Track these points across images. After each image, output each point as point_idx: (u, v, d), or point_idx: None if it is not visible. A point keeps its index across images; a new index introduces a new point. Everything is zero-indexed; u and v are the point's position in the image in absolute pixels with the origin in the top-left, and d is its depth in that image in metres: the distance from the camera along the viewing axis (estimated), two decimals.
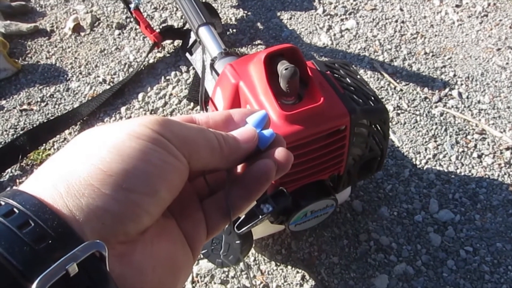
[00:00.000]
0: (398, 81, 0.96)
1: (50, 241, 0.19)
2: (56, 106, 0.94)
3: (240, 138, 0.26)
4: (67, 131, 0.90)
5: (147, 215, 0.21)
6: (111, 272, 0.20)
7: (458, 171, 0.81)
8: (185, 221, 0.26)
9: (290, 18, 1.10)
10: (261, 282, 0.69)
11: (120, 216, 0.20)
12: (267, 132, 0.28)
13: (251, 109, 0.29)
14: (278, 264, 0.70)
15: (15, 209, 0.19)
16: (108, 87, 0.96)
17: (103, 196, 0.20)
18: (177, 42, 1.04)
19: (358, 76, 0.59)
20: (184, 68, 0.99)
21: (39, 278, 0.18)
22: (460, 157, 0.83)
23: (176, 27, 1.04)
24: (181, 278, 0.25)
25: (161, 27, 1.07)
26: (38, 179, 0.21)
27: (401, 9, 1.11)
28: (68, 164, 0.21)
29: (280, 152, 0.27)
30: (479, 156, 0.83)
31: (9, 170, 0.84)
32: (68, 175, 0.20)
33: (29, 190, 0.20)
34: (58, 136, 0.89)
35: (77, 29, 1.09)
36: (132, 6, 0.99)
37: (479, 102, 0.92)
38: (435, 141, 0.85)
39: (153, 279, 0.22)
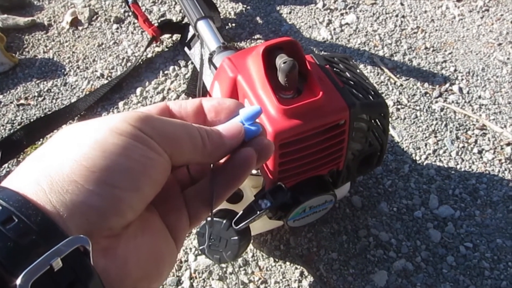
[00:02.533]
0: (398, 76, 0.95)
1: (33, 237, 0.19)
2: (54, 101, 0.94)
3: (226, 133, 0.26)
4: (64, 126, 0.89)
5: (130, 210, 0.22)
6: (96, 266, 0.20)
7: (458, 166, 0.80)
8: (168, 212, 0.26)
9: (290, 13, 1.09)
10: (260, 278, 0.68)
11: (104, 211, 0.21)
12: (254, 126, 0.27)
13: (220, 98, 0.29)
14: (277, 260, 0.70)
15: None
16: (106, 81, 0.95)
17: (87, 192, 0.20)
18: (176, 36, 1.03)
19: (358, 70, 0.58)
20: (182, 63, 0.98)
21: (23, 273, 0.18)
22: (460, 152, 0.82)
23: (174, 21, 1.04)
24: (165, 269, 0.25)
25: (159, 21, 1.06)
26: (21, 175, 0.21)
27: (402, 4, 1.10)
28: (50, 160, 0.21)
29: (261, 141, 0.27)
30: (480, 152, 0.82)
31: (6, 165, 0.83)
32: (51, 172, 0.20)
33: (12, 186, 0.20)
34: (55, 131, 0.88)
35: (75, 23, 1.08)
36: (130, 0, 0.98)
37: (479, 97, 0.91)
38: (435, 137, 0.85)
39: (137, 271, 0.23)
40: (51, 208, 0.20)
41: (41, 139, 0.87)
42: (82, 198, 0.20)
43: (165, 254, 0.25)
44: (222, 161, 0.28)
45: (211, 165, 0.27)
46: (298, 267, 0.69)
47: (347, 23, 1.06)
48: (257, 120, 0.28)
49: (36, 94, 0.94)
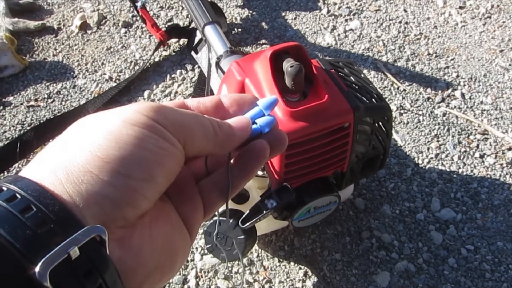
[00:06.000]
0: (401, 81, 0.96)
1: (51, 226, 0.19)
2: (63, 103, 0.95)
3: (235, 125, 0.27)
4: None
5: (144, 200, 0.22)
6: (111, 256, 0.21)
7: (460, 170, 0.82)
8: (182, 203, 0.27)
9: (295, 18, 1.11)
10: (264, 278, 0.69)
11: (118, 201, 0.21)
12: (269, 118, 0.29)
13: (240, 94, 0.30)
14: (281, 260, 0.71)
15: (17, 195, 0.20)
16: (114, 84, 0.97)
17: (102, 182, 0.21)
18: (183, 41, 1.05)
19: (362, 75, 0.60)
20: (189, 67, 1.00)
21: (42, 261, 0.18)
22: (462, 157, 0.84)
23: (181, 26, 1.05)
24: (178, 259, 0.26)
25: (167, 25, 1.08)
26: (38, 166, 0.22)
27: (405, 10, 1.12)
28: (66, 151, 0.22)
29: (276, 133, 0.29)
30: (481, 156, 0.84)
31: (16, 165, 0.85)
32: (66, 162, 0.21)
33: (30, 176, 0.21)
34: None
35: (84, 27, 1.10)
36: (138, 4, 1.00)
37: (481, 102, 0.92)
38: (438, 141, 0.86)
39: (151, 261, 0.23)
40: (67, 198, 0.20)
41: (51, 140, 0.88)
42: (97, 188, 0.20)
43: (179, 244, 0.26)
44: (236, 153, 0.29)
45: (228, 154, 0.28)
46: (302, 267, 0.70)
47: (351, 29, 1.08)
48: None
49: (45, 96, 0.96)
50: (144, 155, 0.22)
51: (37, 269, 0.18)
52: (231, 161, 0.28)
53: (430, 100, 0.93)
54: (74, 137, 0.23)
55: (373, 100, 0.55)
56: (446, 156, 0.84)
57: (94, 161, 0.21)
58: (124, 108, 0.23)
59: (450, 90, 0.94)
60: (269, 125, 0.28)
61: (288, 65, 0.48)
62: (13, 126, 0.91)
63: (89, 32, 1.09)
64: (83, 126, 0.23)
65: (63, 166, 0.21)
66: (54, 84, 0.99)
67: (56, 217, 0.19)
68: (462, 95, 0.94)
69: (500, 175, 0.81)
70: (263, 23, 1.09)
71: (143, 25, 1.08)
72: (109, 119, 0.23)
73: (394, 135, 0.87)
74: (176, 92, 0.96)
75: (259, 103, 0.29)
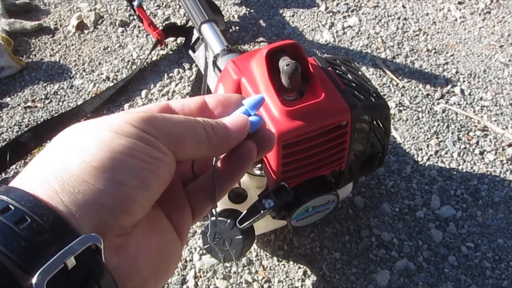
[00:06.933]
0: (400, 78, 0.96)
1: (47, 236, 0.19)
2: (60, 103, 0.95)
3: (231, 127, 0.27)
4: None
5: (140, 208, 0.22)
6: (109, 264, 0.21)
7: (460, 167, 0.81)
8: (171, 208, 0.27)
9: (293, 16, 1.10)
10: (263, 277, 0.69)
11: (115, 210, 0.21)
12: (255, 118, 0.28)
13: (225, 94, 0.29)
14: (280, 259, 0.71)
15: (10, 206, 0.19)
16: (111, 84, 0.97)
17: (98, 191, 0.21)
18: (180, 40, 1.04)
19: (360, 72, 0.59)
20: (187, 65, 0.99)
21: (38, 272, 0.18)
22: (462, 153, 0.83)
23: (179, 24, 1.05)
24: (172, 264, 0.26)
25: (164, 24, 1.07)
26: (30, 176, 0.21)
27: (404, 6, 1.11)
28: (58, 160, 0.22)
29: (264, 134, 0.28)
30: (481, 153, 0.83)
31: (14, 166, 0.85)
32: (60, 172, 0.21)
33: (22, 187, 0.21)
34: None
35: (81, 26, 1.10)
36: (135, 3, 0.99)
37: (481, 99, 0.92)
38: (437, 138, 0.85)
39: (147, 268, 0.23)
40: (63, 208, 0.20)
41: (48, 141, 0.88)
42: (94, 198, 0.20)
43: (172, 250, 0.26)
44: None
45: (214, 158, 0.27)
46: (301, 266, 0.70)
47: (349, 26, 1.07)
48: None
49: (43, 96, 0.96)
50: (138, 165, 0.22)
51: (34, 280, 0.18)
52: (218, 163, 0.28)
53: (430, 96, 0.92)
54: (64, 146, 0.22)
55: (371, 98, 0.55)
56: (446, 153, 0.83)
57: (89, 171, 0.21)
58: (113, 118, 0.23)
59: (449, 87, 0.94)
60: (255, 126, 0.28)
61: (284, 63, 0.48)
62: (11, 127, 0.91)
63: (86, 32, 1.09)
64: (73, 135, 0.23)
65: (57, 175, 0.21)
66: (51, 85, 0.98)
67: (51, 227, 0.19)
68: (462, 91, 0.93)
69: (500, 172, 0.80)
70: (261, 21, 1.09)
71: (140, 24, 1.08)
72: (99, 128, 0.23)
73: (393, 132, 0.86)
74: (174, 91, 0.95)
75: (245, 103, 0.28)
